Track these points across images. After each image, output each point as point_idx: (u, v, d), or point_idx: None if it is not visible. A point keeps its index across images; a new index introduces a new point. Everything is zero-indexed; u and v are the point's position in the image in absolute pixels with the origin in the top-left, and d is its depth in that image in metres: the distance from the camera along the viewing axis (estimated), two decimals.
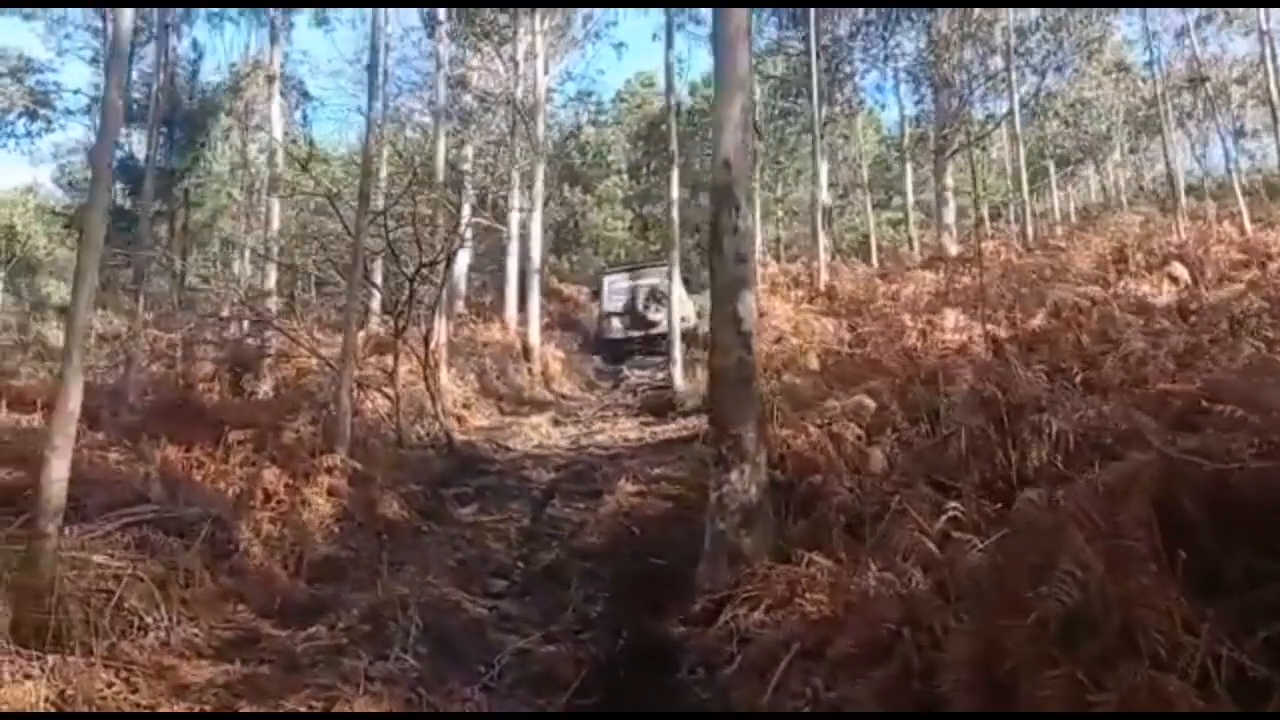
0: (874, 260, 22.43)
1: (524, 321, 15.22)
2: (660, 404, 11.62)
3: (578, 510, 7.40)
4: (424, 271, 8.73)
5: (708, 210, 5.40)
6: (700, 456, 8.04)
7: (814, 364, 8.58)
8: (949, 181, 22.78)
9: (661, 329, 15.55)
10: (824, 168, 17.71)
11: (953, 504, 4.22)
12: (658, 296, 16.61)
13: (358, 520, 6.82)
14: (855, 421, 6.12)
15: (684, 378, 11.86)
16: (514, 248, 15.83)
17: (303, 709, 3.82)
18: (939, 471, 5.09)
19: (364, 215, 7.01)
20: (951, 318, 8.32)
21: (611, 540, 6.31)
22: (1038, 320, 7.98)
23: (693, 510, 6.39)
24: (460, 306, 16.16)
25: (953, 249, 20.19)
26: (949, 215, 22.72)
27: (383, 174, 12.67)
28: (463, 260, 16.30)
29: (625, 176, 35.10)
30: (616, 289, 17.98)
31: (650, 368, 16.27)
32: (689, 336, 13.23)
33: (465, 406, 11.91)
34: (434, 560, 6.23)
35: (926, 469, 5.16)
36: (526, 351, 14.49)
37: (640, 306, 17.51)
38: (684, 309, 13.92)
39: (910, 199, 24.89)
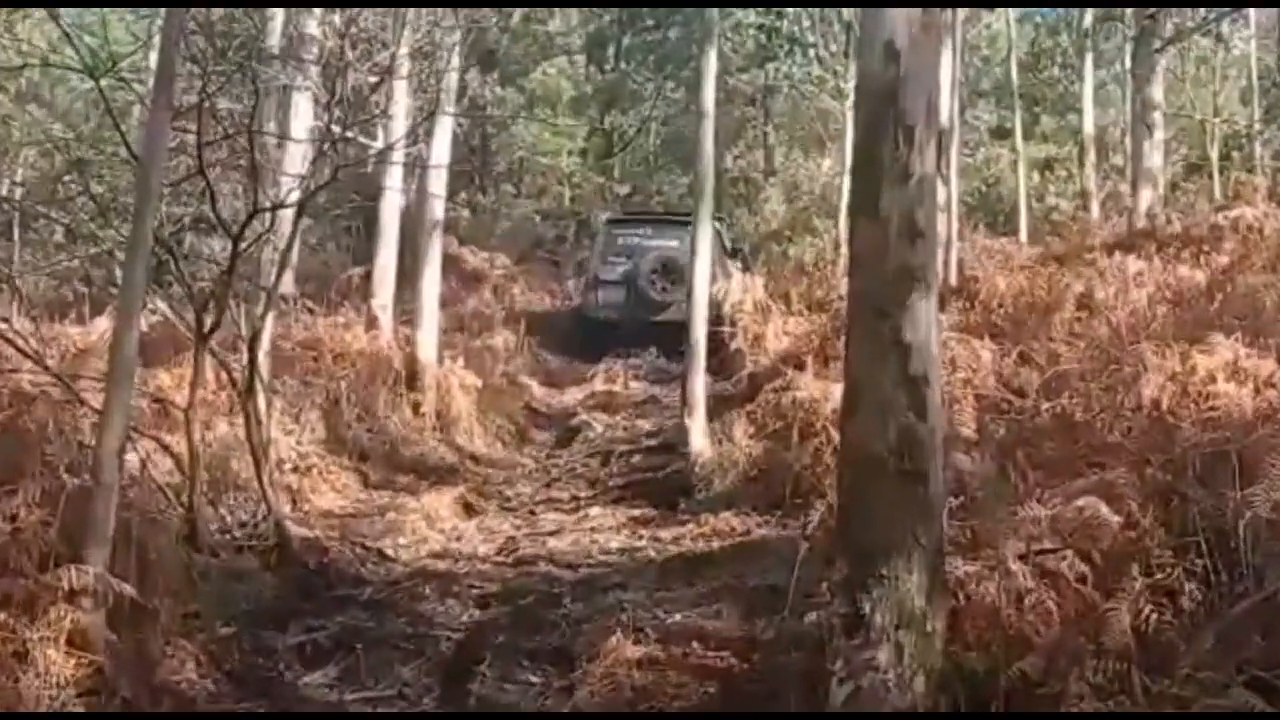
0: (1023, 231, 22.34)
1: (410, 319, 14.82)
2: (664, 483, 11.40)
3: (533, 690, 7.00)
4: (255, 223, 8.27)
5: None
6: (745, 591, 7.74)
7: (969, 425, 8.29)
8: (1156, 95, 22.61)
9: (672, 317, 17.78)
10: (948, 61, 17.34)
11: None
12: (672, 270, 19.32)
13: (122, 695, 6.39)
14: (1077, 549, 5.81)
15: (707, 435, 11.50)
16: (394, 180, 15.40)
17: None
18: (1264, 662, 4.79)
19: (163, 112, 6.50)
20: (1226, 351, 8.05)
21: None
22: None
23: (762, 702, 6.05)
24: (288, 284, 15.67)
25: (1163, 216, 20.06)
26: (1154, 155, 22.57)
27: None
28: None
29: (580, 62, 34.92)
30: (617, 248, 20.70)
31: (623, 410, 16.03)
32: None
33: (302, 470, 11.50)
34: None
35: (1238, 654, 4.87)
36: (413, 373, 14.07)
37: (645, 279, 20.06)
38: (731, 292, 15.29)
39: (1089, 121, 24.75)
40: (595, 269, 20.96)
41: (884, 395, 4.79)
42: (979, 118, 31.93)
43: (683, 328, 12.43)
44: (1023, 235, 22.20)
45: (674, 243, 19.41)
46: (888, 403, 4.77)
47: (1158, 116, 22.39)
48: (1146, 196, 21.34)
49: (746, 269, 21.35)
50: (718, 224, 22.99)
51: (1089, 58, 24.63)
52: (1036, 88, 31.11)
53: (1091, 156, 24.75)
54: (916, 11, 4.88)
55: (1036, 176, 28.40)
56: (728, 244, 22.60)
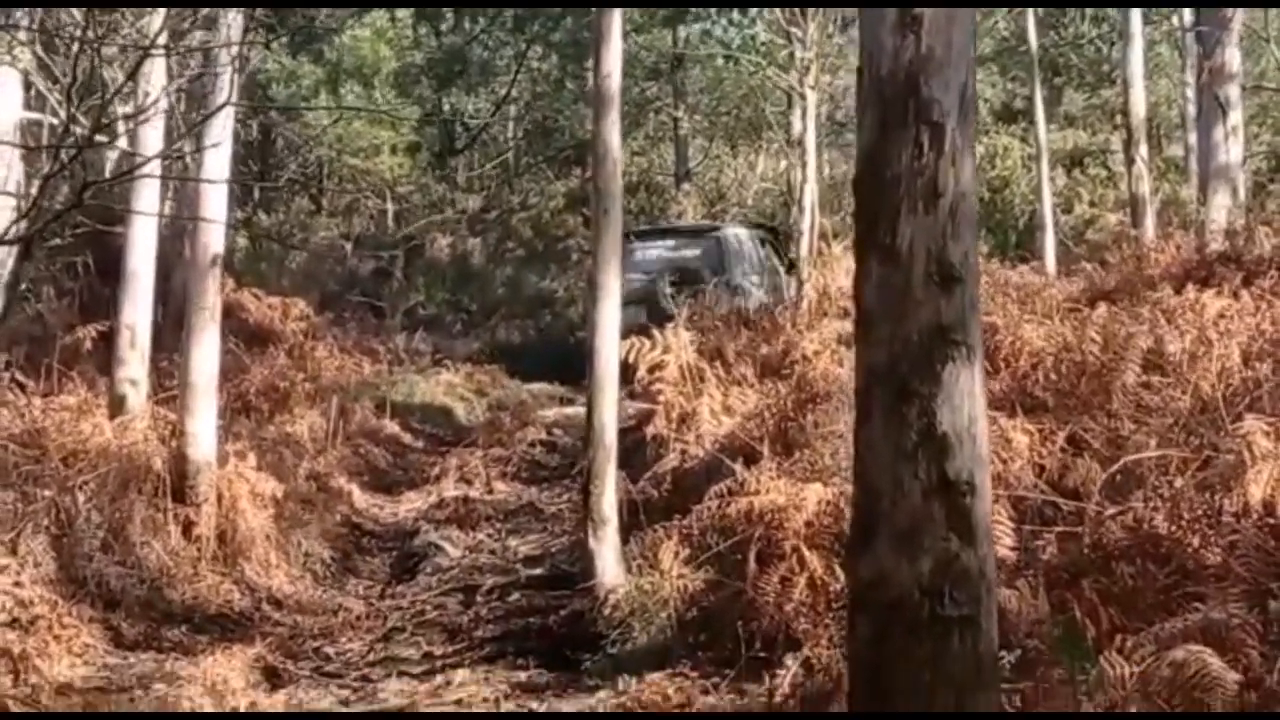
0: (1049, 254, 22.52)
1: (175, 398, 14.64)
2: (559, 631, 11.49)
3: None
4: None
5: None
6: None
7: (1004, 543, 8.31)
8: (1231, 61, 22.92)
9: None
10: None
11: None
12: (690, 277, 25.37)
13: None
14: None
15: (621, 561, 11.48)
16: (148, 200, 15.27)
17: None
18: None
19: None
20: None
21: None
22: None
23: None
24: None
25: (1246, 232, 20.33)
26: (1229, 146, 22.85)
27: None
28: None
29: (405, 19, 34.86)
30: (642, 263, 26.03)
31: (488, 525, 16.06)
32: None
33: (24, 625, 11.37)
34: None
35: None
36: (182, 479, 13.85)
37: (662, 295, 25.08)
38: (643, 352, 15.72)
39: (1137, 98, 24.85)
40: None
41: (912, 510, 4.76)
42: (978, 93, 31.84)
43: None
44: (1049, 261, 22.27)
45: (696, 251, 26.91)
46: (918, 521, 4.74)
47: (1234, 91, 22.62)
48: (1222, 204, 21.53)
49: None
50: (767, 234, 28.94)
51: (1136, 11, 24.50)
52: (1060, 50, 31.21)
53: (1142, 148, 24.37)
54: None
55: (1063, 176, 28.52)
56: (784, 257, 27.26)
